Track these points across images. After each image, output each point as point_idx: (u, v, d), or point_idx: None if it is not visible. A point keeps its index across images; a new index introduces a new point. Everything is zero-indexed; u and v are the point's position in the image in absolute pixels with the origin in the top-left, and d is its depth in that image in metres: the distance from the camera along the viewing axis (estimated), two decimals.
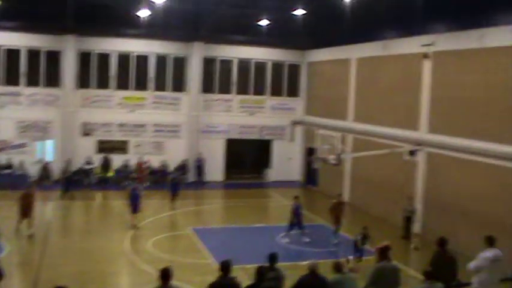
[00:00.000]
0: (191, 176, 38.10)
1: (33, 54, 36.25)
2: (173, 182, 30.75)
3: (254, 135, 40.43)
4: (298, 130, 40.85)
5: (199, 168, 38.16)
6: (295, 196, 25.89)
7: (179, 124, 38.55)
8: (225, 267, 11.64)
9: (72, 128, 36.53)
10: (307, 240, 24.73)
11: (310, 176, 39.03)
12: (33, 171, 35.55)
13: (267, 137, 40.79)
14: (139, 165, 36.33)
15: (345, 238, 24.74)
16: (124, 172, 36.86)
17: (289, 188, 38.13)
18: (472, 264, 14.12)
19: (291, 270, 13.54)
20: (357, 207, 32.00)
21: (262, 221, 28.70)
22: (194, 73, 38.28)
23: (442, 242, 14.56)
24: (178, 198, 30.28)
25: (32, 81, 36.25)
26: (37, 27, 35.44)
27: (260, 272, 12.18)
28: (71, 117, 36.42)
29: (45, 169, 35.93)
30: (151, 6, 31.44)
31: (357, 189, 32.86)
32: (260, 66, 40.41)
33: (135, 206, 25.87)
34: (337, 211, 25.07)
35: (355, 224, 26.58)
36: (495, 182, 22.31)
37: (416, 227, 26.48)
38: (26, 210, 24.04)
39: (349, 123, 33.70)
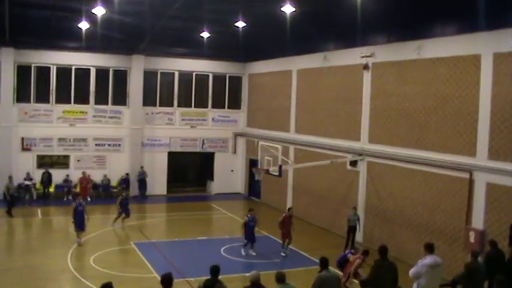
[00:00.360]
0: (133, 190, 37.78)
1: None
2: (124, 201, 29.63)
3: (196, 148, 40.33)
4: (241, 142, 40.99)
5: (142, 181, 37.86)
6: (249, 209, 25.78)
7: (121, 138, 38.23)
8: (166, 280, 11.58)
9: (11, 143, 35.76)
10: (253, 254, 24.47)
11: (253, 188, 39.18)
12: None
13: (209, 150, 40.74)
14: (83, 180, 35.71)
15: (294, 251, 24.83)
16: (65, 187, 36.37)
17: (233, 200, 38.31)
18: (412, 271, 14.42)
19: (235, 283, 13.53)
20: (300, 218, 32.11)
21: (205, 234, 28.62)
22: (135, 86, 38.05)
23: (382, 250, 14.79)
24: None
25: None
26: None
27: (208, 286, 12.15)
28: (9, 132, 35.64)
29: None
30: (91, 18, 31.12)
31: (300, 200, 33.05)
32: (201, 79, 40.43)
33: (80, 222, 25.40)
34: (287, 225, 24.68)
35: (300, 234, 26.77)
36: (434, 190, 22.78)
37: (358, 236, 26.82)
38: None
39: (291, 135, 33.96)
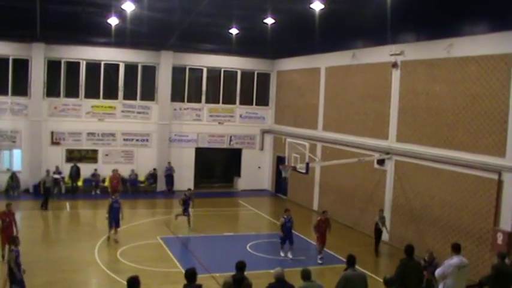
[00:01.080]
0: (161, 185, 38.00)
1: (0, 62, 35.88)
2: (186, 200, 28.67)
3: (224, 144, 40.42)
4: (268, 139, 40.99)
5: (169, 177, 38.05)
6: (285, 209, 24.60)
7: (149, 133, 38.44)
8: (190, 275, 11.64)
9: (41, 137, 36.19)
10: (290, 257, 23.54)
11: (280, 185, 39.17)
12: (1, 180, 35.16)
13: (236, 146, 40.81)
14: (113, 178, 35.22)
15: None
16: (93, 181, 36.69)
17: (259, 197, 38.33)
18: (438, 271, 14.34)
19: (260, 279, 13.55)
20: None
21: (231, 230, 28.70)
22: (164, 82, 38.24)
23: (409, 250, 14.70)
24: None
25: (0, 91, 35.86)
26: (6, 35, 35.07)
27: (236, 280, 12.17)
28: (39, 127, 36.08)
29: (13, 179, 35.50)
30: (121, 14, 31.28)
31: (326, 197, 33.02)
32: (230, 75, 40.51)
33: (116, 219, 25.38)
34: (322, 229, 23.66)
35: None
36: (462, 190, 22.58)
37: (384, 235, 26.71)
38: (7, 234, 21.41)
39: (319, 132, 33.88)
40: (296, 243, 24.42)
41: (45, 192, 32.00)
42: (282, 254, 23.76)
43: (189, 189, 30.18)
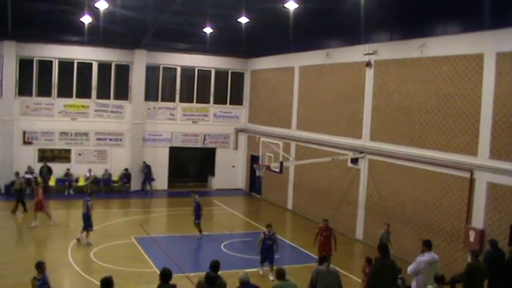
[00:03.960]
0: (135, 185, 37.85)
1: None
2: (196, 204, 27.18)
3: (198, 143, 40.34)
4: (242, 138, 41.00)
5: (147, 175, 37.97)
6: (267, 224, 21.54)
7: (122, 132, 38.24)
8: (165, 275, 11.65)
9: (12, 137, 35.79)
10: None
11: (254, 184, 39.22)
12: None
13: (210, 145, 40.75)
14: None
15: (294, 248, 24.75)
16: (66, 181, 36.45)
17: (233, 196, 38.35)
18: (410, 268, 14.51)
19: (234, 278, 13.54)
20: (300, 214, 32.38)
21: (206, 229, 28.62)
22: (137, 81, 38.04)
23: (383, 249, 14.81)
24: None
25: None
26: None
27: (209, 279, 12.17)
28: (11, 126, 35.68)
29: None
30: (94, 12, 31.09)
31: (301, 196, 33.12)
32: (204, 74, 40.42)
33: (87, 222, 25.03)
34: (325, 238, 21.45)
35: (299, 233, 26.81)
36: (435, 189, 22.77)
37: (358, 234, 26.86)
38: None
39: (293, 131, 33.96)
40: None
41: (18, 195, 31.15)
42: (261, 272, 21.17)
43: (194, 192, 29.06)
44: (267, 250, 20.87)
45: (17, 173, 33.03)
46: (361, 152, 27.24)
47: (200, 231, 26.65)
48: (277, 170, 26.24)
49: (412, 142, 24.12)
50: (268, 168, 26.76)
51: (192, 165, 42.91)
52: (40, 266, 14.78)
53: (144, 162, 38.19)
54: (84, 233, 24.93)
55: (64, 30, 35.28)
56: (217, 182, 41.06)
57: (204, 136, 40.36)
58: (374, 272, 14.57)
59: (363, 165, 27.32)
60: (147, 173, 38.14)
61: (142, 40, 36.50)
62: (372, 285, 14.13)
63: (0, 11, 31.99)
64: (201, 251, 23.75)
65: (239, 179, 41.33)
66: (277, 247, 21.15)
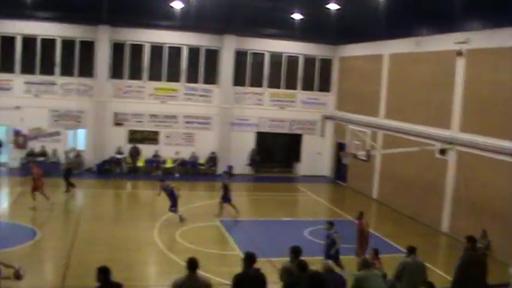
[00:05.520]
0: (222, 168, 38.23)
1: (68, 44, 36.77)
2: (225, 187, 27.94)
3: (284, 129, 40.39)
4: (329, 125, 40.73)
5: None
6: (360, 212, 21.08)
7: (210, 116, 38.71)
8: (249, 258, 11.69)
9: (104, 118, 36.97)
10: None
11: (339, 171, 38.96)
12: (66, 159, 36.01)
13: (297, 131, 40.73)
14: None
15: (377, 237, 24.47)
16: (154, 162, 37.27)
17: (318, 183, 38.19)
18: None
19: (317, 265, 13.53)
20: (385, 204, 31.96)
21: (290, 215, 28.73)
22: (226, 66, 38.39)
23: (471, 239, 14.03)
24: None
25: (66, 71, 36.77)
26: (72, 18, 35.84)
27: (304, 264, 12.14)
28: (103, 107, 36.86)
29: (77, 158, 36.40)
30: None
31: (386, 186, 32.71)
32: (292, 60, 40.34)
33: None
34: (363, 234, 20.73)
35: (383, 223, 26.55)
36: None
37: (444, 226, 26.37)
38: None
39: (380, 120, 33.52)
40: (354, 231, 21.76)
41: (65, 174, 31.04)
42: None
43: (227, 172, 29.50)
44: (325, 246, 19.51)
45: (67, 152, 34.49)
46: (450, 143, 26.64)
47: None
48: (364, 159, 26.03)
49: (503, 134, 23.39)
50: (354, 156, 26.55)
51: (278, 151, 42.91)
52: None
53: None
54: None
55: (155, 15, 35.90)
56: (302, 168, 41.01)
57: (291, 122, 40.35)
58: (462, 261, 13.91)
59: (451, 157, 26.71)
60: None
61: (232, 25, 36.77)
62: (459, 280, 13.57)
63: None
64: (285, 237, 23.71)
65: (324, 166, 41.12)
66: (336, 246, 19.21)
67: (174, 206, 25.73)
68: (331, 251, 18.97)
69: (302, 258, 12.55)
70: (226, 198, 27.54)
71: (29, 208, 26.06)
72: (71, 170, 31.54)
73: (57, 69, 36.75)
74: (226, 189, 27.55)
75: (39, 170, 27.38)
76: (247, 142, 39.44)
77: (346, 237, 20.52)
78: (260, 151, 39.96)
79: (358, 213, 20.84)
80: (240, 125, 39.32)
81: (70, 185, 30.55)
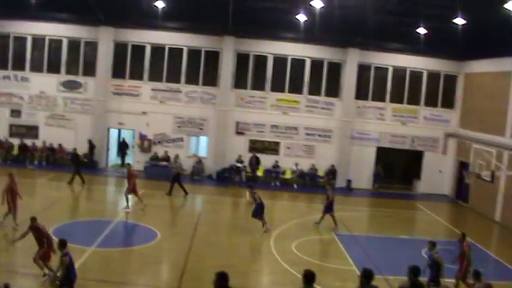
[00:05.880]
0: (340, 182, 38.07)
1: (193, 53, 37.95)
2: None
3: (405, 145, 39.73)
4: (451, 143, 39.65)
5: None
6: (462, 233, 19.93)
7: (331, 129, 38.69)
8: (367, 275, 11.62)
9: (226, 126, 37.82)
10: None
11: (461, 191, 37.86)
12: (187, 165, 37.08)
13: (418, 148, 39.97)
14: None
15: (499, 263, 23.70)
16: (274, 172, 37.61)
17: (438, 202, 37.30)
18: None
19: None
20: (509, 228, 30.72)
21: (408, 233, 28.22)
22: (349, 79, 38.27)
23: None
24: None
25: (191, 80, 37.95)
26: (199, 28, 37.04)
27: (417, 285, 12.00)
28: (226, 116, 37.73)
29: (199, 164, 37.41)
30: (309, 10, 31.82)
31: (511, 209, 31.43)
32: (415, 75, 39.60)
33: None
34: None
35: (505, 247, 25.63)
36: None
37: None
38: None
39: (507, 140, 32.31)
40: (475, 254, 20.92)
41: (173, 179, 32.12)
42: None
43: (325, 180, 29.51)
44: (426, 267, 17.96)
45: (176, 157, 35.17)
46: None
47: None
48: (488, 179, 25.25)
49: None
50: (478, 176, 25.80)
51: (397, 167, 42.26)
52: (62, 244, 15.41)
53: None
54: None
55: (280, 27, 36.40)
56: (422, 185, 40.13)
57: (413, 138, 39.64)
58: None
59: None
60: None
61: (356, 39, 36.64)
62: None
63: (222, 9, 33.79)
64: (402, 255, 23.31)
65: (445, 185, 40.05)
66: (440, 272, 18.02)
67: (259, 214, 25.90)
68: (433, 272, 17.99)
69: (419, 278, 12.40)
70: (328, 209, 27.43)
71: (140, 209, 27.35)
72: (179, 176, 32.43)
73: (183, 77, 37.95)
74: (329, 201, 27.45)
75: (135, 173, 28.84)
76: (367, 157, 39.07)
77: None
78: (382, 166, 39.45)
79: (460, 234, 19.92)
80: (361, 139, 39.01)
81: (183, 190, 31.91)
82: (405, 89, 39.54)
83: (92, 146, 37.75)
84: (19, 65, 38.67)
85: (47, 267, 17.18)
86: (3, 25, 38.33)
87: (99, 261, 19.93)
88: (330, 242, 25.12)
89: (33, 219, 17.79)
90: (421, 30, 34.19)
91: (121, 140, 41.59)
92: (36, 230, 17.65)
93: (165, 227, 25.23)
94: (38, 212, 24.79)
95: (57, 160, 37.51)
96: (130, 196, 27.77)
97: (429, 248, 18.68)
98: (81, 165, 33.73)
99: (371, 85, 39.28)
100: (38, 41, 38.59)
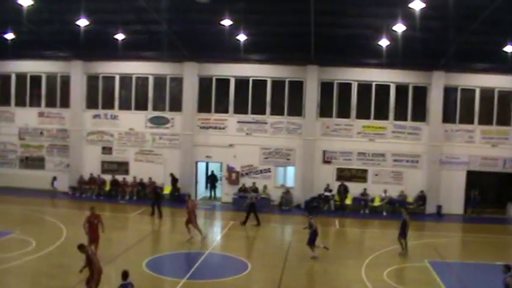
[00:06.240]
0: (430, 208, 37.29)
1: (277, 84, 38.37)
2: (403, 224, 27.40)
3: (497, 168, 38.54)
4: None
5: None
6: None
7: (419, 154, 38.05)
8: None
9: (313, 156, 37.83)
10: None
11: None
12: (276, 195, 37.26)
13: (511, 170, 38.66)
14: None
15: None
16: (362, 200, 37.23)
17: None
18: None
19: None
20: None
21: (504, 259, 27.25)
22: (435, 103, 37.62)
23: None
24: None
25: (276, 110, 38.25)
26: (282, 59, 37.45)
27: None
28: (312, 145, 37.78)
29: (287, 194, 37.49)
30: (391, 35, 31.62)
31: None
32: (504, 95, 38.10)
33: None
34: None
35: None
36: None
37: None
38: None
39: None
40: None
41: (249, 209, 32.24)
42: None
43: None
44: None
45: (251, 188, 36.28)
46: None
47: None
48: None
49: None
50: None
51: (489, 191, 41.00)
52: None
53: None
54: None
55: (362, 53, 36.29)
56: None
57: (504, 160, 38.42)
58: None
59: None
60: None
61: (440, 61, 36.02)
62: None
63: (304, 38, 34.03)
64: (498, 283, 22.58)
65: None
66: None
67: (312, 242, 25.66)
68: None
69: None
70: (402, 234, 26.75)
71: (186, 241, 27.35)
72: (254, 205, 32.45)
73: (268, 108, 38.29)
74: (404, 225, 26.74)
75: (193, 203, 28.87)
76: (457, 181, 38.07)
77: None
78: (470, 190, 38.30)
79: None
80: (450, 163, 38.12)
81: (256, 219, 31.97)
82: (494, 110, 38.42)
83: (174, 179, 38.48)
84: (108, 103, 40.19)
85: None
86: (94, 67, 40.08)
87: None
88: (423, 269, 24.51)
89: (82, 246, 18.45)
90: (509, 49, 33.32)
91: (210, 173, 42.06)
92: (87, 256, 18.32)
93: (256, 258, 25.33)
94: (131, 245, 25.57)
95: (147, 195, 38.19)
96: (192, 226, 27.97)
97: (504, 271, 18.04)
98: (162, 198, 34.77)
99: (458, 107, 38.38)
100: (125, 79, 40.02)
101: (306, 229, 26.13)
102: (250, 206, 32.30)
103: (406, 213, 27.49)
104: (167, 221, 33.40)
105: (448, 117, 38.12)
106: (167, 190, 38.84)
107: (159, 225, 31.90)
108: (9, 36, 35.47)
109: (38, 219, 31.69)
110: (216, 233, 31.11)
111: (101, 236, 23.30)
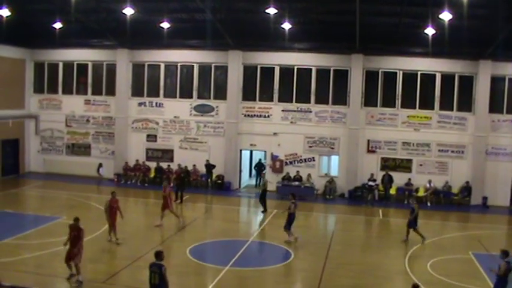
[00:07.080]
0: (475, 199, 36.84)
1: (322, 73, 38.21)
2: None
3: None
4: None
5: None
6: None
7: (464, 144, 37.55)
8: None
9: (357, 145, 37.64)
10: None
11: None
12: (319, 184, 37.26)
13: None
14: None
15: None
16: (406, 190, 36.95)
17: None
18: None
19: None
20: None
21: None
22: (481, 92, 36.93)
23: None
24: None
25: (321, 99, 38.17)
26: (327, 48, 37.32)
27: None
28: (356, 134, 37.59)
29: (331, 183, 37.46)
30: (438, 23, 31.24)
31: None
32: None
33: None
34: None
35: None
36: None
37: None
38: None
39: None
40: None
41: (262, 196, 33.04)
42: None
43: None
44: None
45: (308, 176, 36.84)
46: None
47: None
48: None
49: None
50: None
51: None
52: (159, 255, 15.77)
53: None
54: None
55: (408, 42, 35.96)
56: None
57: None
58: None
59: None
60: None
61: (487, 50, 35.39)
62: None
63: (349, 27, 33.88)
64: None
65: None
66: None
67: (288, 226, 25.90)
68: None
69: None
70: (411, 223, 26.68)
71: (154, 226, 27.59)
72: (265, 191, 33.08)
73: (313, 97, 38.24)
74: (413, 214, 26.69)
75: (170, 189, 29.02)
76: (503, 172, 37.39)
77: None
78: None
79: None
80: (496, 154, 37.50)
81: (263, 206, 32.64)
82: None
83: (209, 166, 39.09)
84: (154, 91, 40.65)
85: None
86: (139, 55, 40.57)
87: (234, 281, 20.43)
88: (467, 261, 24.31)
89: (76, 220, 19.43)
90: None
91: (257, 161, 42.05)
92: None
93: (299, 247, 25.33)
94: (175, 232, 25.93)
95: (191, 182, 38.52)
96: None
97: (500, 256, 18.48)
98: (186, 184, 35.71)
99: (505, 97, 37.65)
100: (170, 67, 40.39)
101: (284, 212, 26.27)
102: (263, 192, 32.78)
103: (415, 202, 27.46)
104: (208, 208, 33.70)
105: (494, 107, 37.39)
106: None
107: (176, 208, 31.67)
108: (57, 25, 36.04)
109: (84, 205, 32.34)
110: (259, 221, 31.24)
111: (117, 221, 24.23)
